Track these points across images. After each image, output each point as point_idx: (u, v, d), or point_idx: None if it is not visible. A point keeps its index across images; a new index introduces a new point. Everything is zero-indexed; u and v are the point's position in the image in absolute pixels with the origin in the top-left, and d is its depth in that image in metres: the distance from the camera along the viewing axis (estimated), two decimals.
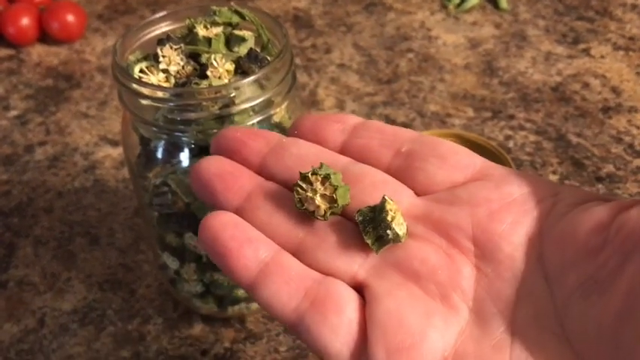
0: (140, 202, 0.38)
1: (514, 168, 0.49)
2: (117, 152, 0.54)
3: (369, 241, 0.23)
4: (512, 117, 0.57)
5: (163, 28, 0.36)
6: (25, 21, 0.65)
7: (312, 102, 0.59)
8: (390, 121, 0.57)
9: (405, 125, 0.56)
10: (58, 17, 0.66)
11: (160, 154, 0.34)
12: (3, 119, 0.58)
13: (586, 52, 0.65)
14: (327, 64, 0.64)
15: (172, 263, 0.38)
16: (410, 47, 0.66)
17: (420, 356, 0.20)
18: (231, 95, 0.30)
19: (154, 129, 0.33)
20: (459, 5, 0.72)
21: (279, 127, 0.34)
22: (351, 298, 0.22)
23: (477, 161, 0.25)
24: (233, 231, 0.23)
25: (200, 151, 0.33)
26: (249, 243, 0.23)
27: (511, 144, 0.54)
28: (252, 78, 0.31)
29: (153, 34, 0.35)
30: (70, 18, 0.66)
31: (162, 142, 0.34)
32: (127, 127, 0.36)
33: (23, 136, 0.56)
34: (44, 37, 0.67)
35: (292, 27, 0.69)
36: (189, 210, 0.34)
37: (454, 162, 0.25)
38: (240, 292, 0.39)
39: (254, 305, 0.40)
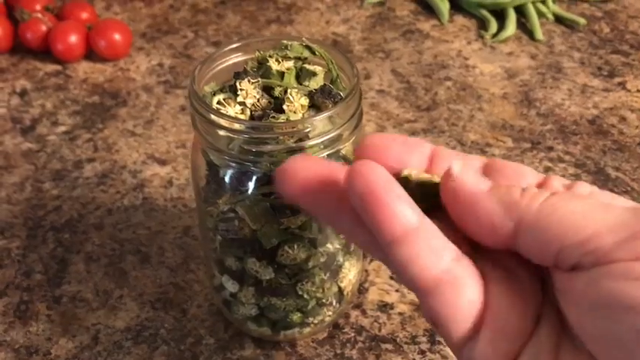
0: (202, 224, 0.40)
1: None
2: (164, 171, 0.56)
3: None
4: (550, 149, 0.58)
5: (235, 59, 0.37)
6: (73, 38, 0.67)
7: None
8: None
9: None
10: (105, 36, 0.67)
11: (228, 182, 0.35)
12: (52, 134, 0.60)
13: (622, 85, 0.66)
14: (367, 90, 0.65)
15: (231, 286, 0.39)
16: (448, 75, 0.67)
17: None
18: (307, 130, 0.32)
19: (226, 157, 0.34)
20: (495, 35, 0.73)
21: (346, 160, 0.35)
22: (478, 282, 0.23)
23: None
24: (387, 185, 0.23)
25: (269, 180, 0.34)
26: (399, 200, 0.23)
27: None
28: (327, 113, 0.32)
29: (225, 65, 0.37)
30: (117, 37, 0.67)
31: (232, 171, 0.35)
32: (197, 152, 0.37)
33: (72, 152, 0.58)
34: (90, 54, 0.69)
35: None
36: (255, 237, 0.36)
37: None
38: (295, 317, 0.40)
39: (306, 330, 0.41)
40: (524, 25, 0.75)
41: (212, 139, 0.33)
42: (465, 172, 0.24)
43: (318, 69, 0.35)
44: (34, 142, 0.59)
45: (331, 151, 0.33)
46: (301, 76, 0.35)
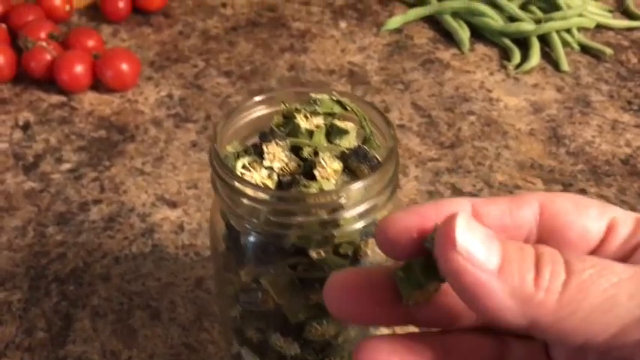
0: (220, 291, 0.36)
1: None
2: (175, 215, 0.53)
3: None
4: (583, 192, 0.55)
5: (258, 112, 0.34)
6: (79, 68, 0.64)
7: None
8: (456, 190, 0.55)
9: (472, 195, 0.54)
10: (113, 65, 0.64)
11: (251, 251, 0.32)
12: (56, 172, 0.57)
13: None
14: None
15: (251, 359, 0.36)
16: (471, 109, 0.64)
17: None
18: (341, 201, 0.28)
19: (249, 226, 0.31)
20: (518, 66, 0.70)
21: None
22: None
23: None
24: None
25: (296, 251, 0.31)
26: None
27: None
28: (365, 182, 0.29)
29: (247, 119, 0.34)
30: (125, 66, 0.64)
31: (256, 239, 0.32)
32: (216, 212, 0.34)
33: (77, 193, 0.55)
34: (96, 84, 0.66)
35: (348, 83, 0.68)
36: (279, 310, 0.32)
37: None
38: None
39: None
40: (548, 55, 0.72)
41: (234, 205, 0.30)
42: (471, 238, 0.20)
43: (349, 125, 0.32)
44: (37, 181, 0.56)
45: (367, 222, 0.30)
46: (332, 133, 0.32)
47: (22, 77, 0.67)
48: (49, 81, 0.66)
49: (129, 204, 0.54)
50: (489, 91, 0.67)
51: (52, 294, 0.47)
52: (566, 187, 0.55)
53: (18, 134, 0.61)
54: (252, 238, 0.32)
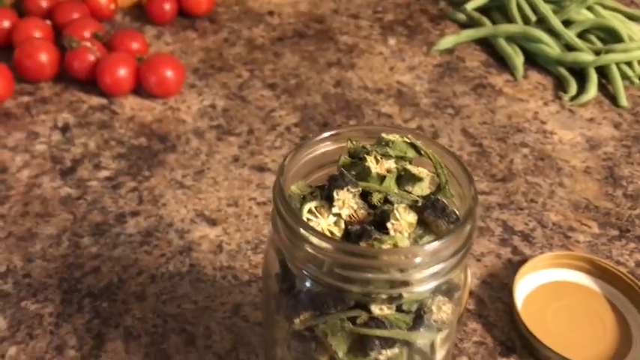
0: (268, 331, 0.34)
1: None
2: (214, 233, 0.51)
3: None
4: None
5: (323, 148, 0.32)
6: (122, 72, 0.62)
7: None
8: (507, 227, 0.52)
9: (525, 235, 0.52)
10: (157, 71, 0.63)
11: (308, 300, 0.30)
12: (94, 179, 0.55)
13: None
14: None
15: None
16: (524, 141, 0.61)
17: None
18: (417, 260, 0.26)
19: (308, 274, 0.29)
20: (574, 97, 0.67)
21: (450, 283, 0.30)
22: None
23: None
24: None
25: (356, 305, 0.29)
26: None
27: None
28: (443, 241, 0.26)
29: (312, 155, 0.32)
30: (169, 73, 0.63)
31: (314, 287, 0.29)
32: (270, 249, 0.32)
33: (114, 203, 0.53)
34: (139, 89, 0.64)
35: (396, 104, 0.65)
36: None
37: None
38: None
39: None
40: (605, 88, 0.69)
41: (295, 249, 0.28)
42: None
43: (424, 173, 0.30)
44: (74, 187, 0.54)
45: (441, 281, 0.28)
46: (402, 179, 0.30)
47: (63, 76, 0.66)
48: (90, 82, 0.64)
49: (167, 218, 0.52)
50: (543, 122, 0.64)
51: (85, 310, 0.45)
52: (623, 233, 0.53)
53: (57, 136, 0.60)
54: (309, 284, 0.30)
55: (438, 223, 0.28)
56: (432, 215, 0.28)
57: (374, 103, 0.65)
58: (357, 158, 0.31)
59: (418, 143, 0.31)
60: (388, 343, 0.29)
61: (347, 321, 0.29)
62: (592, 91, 0.67)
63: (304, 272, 0.29)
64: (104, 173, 0.56)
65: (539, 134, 0.62)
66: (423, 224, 0.28)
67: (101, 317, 0.45)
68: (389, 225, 0.27)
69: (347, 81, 0.68)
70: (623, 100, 0.66)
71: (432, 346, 0.31)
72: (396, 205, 0.28)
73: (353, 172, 0.30)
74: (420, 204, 0.28)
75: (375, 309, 0.29)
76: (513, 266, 0.49)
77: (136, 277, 0.47)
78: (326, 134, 0.31)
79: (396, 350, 0.29)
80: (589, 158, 0.60)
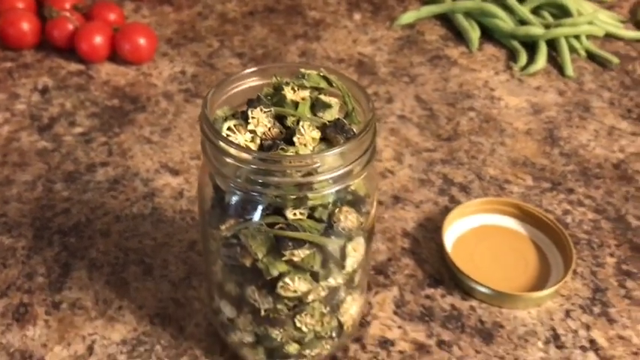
0: (205, 247, 0.39)
1: (572, 245, 0.49)
2: (176, 182, 0.55)
3: None
4: (571, 191, 0.57)
5: (250, 83, 0.36)
6: (99, 39, 0.67)
7: None
8: (447, 180, 0.57)
9: (463, 187, 0.56)
10: (131, 39, 0.67)
11: (233, 208, 0.34)
12: (68, 135, 0.60)
13: None
14: (388, 114, 0.64)
15: (229, 311, 0.38)
16: (472, 106, 0.66)
17: None
18: (316, 165, 0.31)
19: (232, 185, 0.33)
20: (524, 68, 0.71)
21: (354, 195, 0.35)
22: None
23: None
24: None
25: (274, 211, 0.34)
26: None
27: (569, 219, 0.54)
28: (337, 150, 0.31)
29: (240, 88, 0.36)
30: (142, 41, 0.67)
31: (238, 197, 0.34)
32: (204, 176, 0.36)
33: (86, 155, 0.58)
34: (114, 56, 0.69)
35: (355, 72, 0.70)
36: (256, 266, 0.35)
37: None
38: (291, 348, 0.39)
39: None
40: (555, 60, 0.73)
41: (219, 165, 0.33)
42: None
43: (333, 101, 0.35)
44: (49, 141, 0.59)
45: (341, 187, 0.32)
46: (316, 106, 0.35)
47: (44, 45, 0.70)
48: (69, 50, 0.69)
49: (134, 169, 0.56)
50: (492, 90, 0.69)
51: (55, 244, 0.50)
52: (555, 186, 0.57)
53: (36, 97, 0.64)
54: (234, 197, 0.34)
55: (338, 138, 0.32)
56: (332, 132, 0.32)
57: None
58: (279, 91, 0.35)
59: (330, 76, 0.35)
60: (300, 244, 0.33)
61: (265, 225, 0.34)
62: (541, 61, 0.71)
63: (230, 185, 0.33)
64: (78, 129, 0.61)
65: (487, 100, 0.67)
66: (327, 141, 0.33)
67: (68, 251, 0.49)
68: (295, 139, 0.32)
69: (311, 52, 0.73)
70: (570, 71, 0.71)
71: (343, 251, 0.35)
72: (302, 123, 0.32)
73: (273, 100, 0.35)
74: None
75: (290, 214, 0.33)
76: (449, 212, 0.53)
77: (102, 217, 0.52)
78: (250, 70, 0.36)
79: (307, 251, 0.34)
80: (532, 121, 0.65)
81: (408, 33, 0.77)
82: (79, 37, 0.67)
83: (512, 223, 0.53)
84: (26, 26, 0.68)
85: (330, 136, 0.33)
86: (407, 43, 0.75)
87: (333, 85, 0.35)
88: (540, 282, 0.48)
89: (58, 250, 0.49)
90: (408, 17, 0.78)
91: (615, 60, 0.72)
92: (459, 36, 0.77)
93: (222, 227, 0.35)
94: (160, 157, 0.58)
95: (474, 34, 0.75)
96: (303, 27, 0.77)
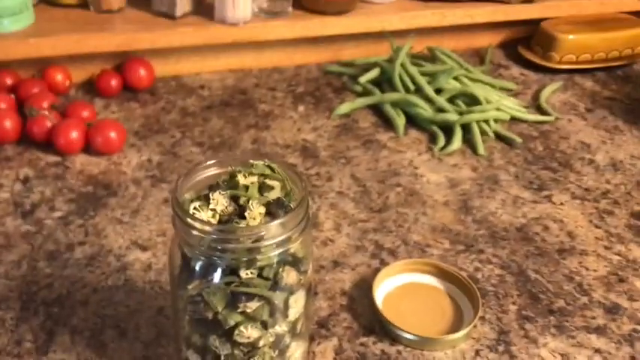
0: (174, 306, 0.48)
1: (479, 296, 0.59)
2: (145, 256, 0.64)
3: None
4: (481, 251, 0.68)
5: (211, 171, 0.46)
6: (74, 134, 0.77)
7: (314, 224, 0.70)
8: (378, 246, 0.67)
9: (392, 251, 0.67)
10: (102, 133, 0.77)
11: (198, 271, 0.43)
12: (49, 219, 0.68)
13: (548, 198, 0.76)
14: (328, 191, 0.75)
15: (195, 359, 0.47)
16: (399, 182, 0.78)
17: None
18: (262, 233, 0.41)
19: (197, 252, 0.42)
20: (442, 148, 0.84)
21: (294, 257, 0.44)
22: None
23: None
24: None
25: (231, 272, 0.43)
26: None
27: (479, 275, 0.64)
28: (278, 221, 0.41)
29: (203, 176, 0.46)
30: (113, 134, 0.77)
31: (201, 262, 0.43)
32: (174, 245, 0.46)
33: (65, 236, 0.66)
34: (87, 148, 0.78)
35: (300, 156, 0.81)
36: (216, 318, 0.44)
37: None
38: None
39: None
40: (469, 141, 0.86)
41: (187, 236, 0.42)
42: None
43: (275, 184, 0.45)
44: (32, 225, 0.67)
45: (282, 250, 0.42)
46: (262, 188, 0.45)
47: (25, 139, 0.79)
48: (47, 144, 0.78)
49: (107, 246, 0.65)
50: (416, 168, 0.81)
51: (40, 314, 0.57)
52: (468, 248, 0.68)
53: (18, 186, 0.73)
54: (199, 262, 0.43)
55: (279, 212, 0.42)
56: (275, 208, 0.42)
57: (282, 156, 0.81)
58: (234, 177, 0.46)
59: (273, 165, 0.46)
60: (252, 298, 0.43)
61: (223, 284, 0.43)
62: (456, 143, 0.84)
63: (195, 252, 0.43)
64: (57, 214, 0.69)
65: (411, 177, 0.79)
66: (270, 215, 0.43)
67: (52, 319, 0.57)
68: (246, 214, 0.42)
69: (262, 139, 0.84)
70: (481, 150, 0.84)
71: (286, 303, 0.45)
72: (250, 201, 0.42)
73: (228, 185, 0.45)
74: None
75: (243, 274, 0.42)
76: (378, 272, 0.63)
77: (81, 289, 0.60)
78: (210, 161, 0.46)
79: (257, 304, 0.43)
80: (449, 194, 0.76)
81: (345, 121, 0.89)
82: (56, 132, 0.77)
83: (431, 280, 0.63)
84: (9, 124, 0.77)
85: (273, 210, 0.43)
86: (344, 130, 0.87)
87: (275, 171, 0.45)
88: (455, 328, 0.58)
89: (43, 319, 0.57)
90: (345, 108, 0.90)
91: (519, 139, 0.86)
92: (387, 123, 0.89)
93: (189, 287, 0.44)
94: (131, 236, 0.66)
95: (400, 121, 0.88)
96: (255, 118, 0.88)
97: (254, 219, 0.42)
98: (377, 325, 0.58)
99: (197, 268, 0.44)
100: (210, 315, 0.44)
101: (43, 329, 0.56)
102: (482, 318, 0.59)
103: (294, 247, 0.44)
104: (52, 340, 0.55)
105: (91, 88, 0.91)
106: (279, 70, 1.01)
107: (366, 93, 0.94)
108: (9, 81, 0.86)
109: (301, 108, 0.92)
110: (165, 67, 0.96)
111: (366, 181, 0.77)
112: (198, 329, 0.45)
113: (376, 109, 0.92)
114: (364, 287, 0.62)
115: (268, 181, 0.45)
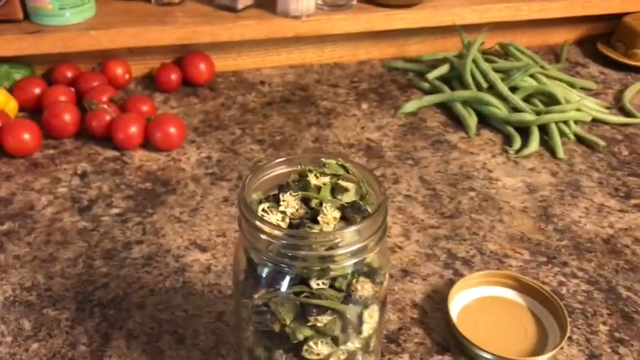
0: (237, 314, 0.44)
1: (566, 314, 0.53)
2: (204, 258, 0.61)
3: None
4: (565, 264, 0.62)
5: (279, 170, 0.43)
6: (133, 129, 0.74)
7: None
8: (451, 255, 0.62)
9: (466, 261, 0.61)
10: (162, 128, 0.75)
11: (265, 279, 0.40)
12: (106, 216, 0.66)
13: (637, 207, 0.70)
14: (395, 194, 0.70)
15: None
16: (472, 186, 0.72)
17: None
18: (337, 241, 0.36)
19: (265, 258, 0.39)
20: (518, 151, 0.78)
21: (370, 267, 0.40)
22: None
23: None
24: None
25: (300, 281, 0.39)
26: None
27: (564, 290, 0.59)
28: (355, 227, 0.37)
29: (271, 175, 0.42)
30: (172, 130, 0.75)
31: (269, 269, 0.39)
32: (239, 249, 0.42)
33: (122, 234, 0.64)
34: (146, 143, 0.76)
35: (364, 156, 0.77)
36: (284, 331, 0.40)
37: None
38: None
39: None
40: (546, 143, 0.80)
41: (254, 240, 0.39)
42: None
43: (350, 185, 0.41)
44: (89, 222, 0.65)
45: (358, 259, 0.38)
46: (335, 190, 0.41)
47: (83, 133, 0.78)
48: (106, 138, 0.76)
49: (166, 246, 0.62)
50: (490, 171, 0.75)
51: (95, 316, 0.55)
52: (550, 260, 0.62)
53: (76, 181, 0.71)
54: (266, 268, 0.40)
55: (355, 217, 0.38)
56: (350, 212, 0.38)
57: (346, 156, 0.76)
58: (303, 177, 0.42)
59: (347, 165, 0.42)
60: (323, 311, 0.39)
61: (292, 295, 0.39)
62: (534, 145, 0.78)
63: (263, 258, 0.39)
64: (115, 210, 0.67)
65: (485, 180, 0.73)
66: (345, 219, 0.39)
67: (108, 322, 0.54)
68: (319, 218, 0.38)
69: (324, 138, 0.80)
70: (561, 153, 0.77)
71: (360, 318, 0.40)
72: (324, 204, 0.38)
73: (299, 185, 0.41)
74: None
75: (314, 284, 0.38)
76: (453, 284, 0.58)
77: (138, 291, 0.57)
78: (279, 159, 0.42)
79: (329, 317, 0.39)
80: (527, 200, 0.70)
81: (411, 120, 0.84)
82: (115, 126, 0.75)
83: (511, 294, 0.57)
84: (68, 117, 0.76)
85: (348, 215, 0.38)
86: (410, 129, 0.82)
87: (350, 172, 0.41)
88: (538, 348, 0.52)
89: (98, 321, 0.54)
90: (411, 106, 0.85)
91: (602, 143, 0.79)
92: (457, 122, 0.84)
93: (255, 296, 0.40)
94: (190, 235, 0.64)
95: (472, 120, 0.82)
96: (316, 116, 0.84)
97: (328, 224, 0.38)
98: (452, 342, 0.53)
99: (264, 275, 0.40)
100: (277, 327, 0.40)
101: (98, 332, 0.53)
102: (569, 339, 0.54)
103: (370, 257, 0.39)
104: (107, 344, 0.52)
105: (151, 82, 0.90)
106: (341, 66, 0.97)
107: (433, 90, 0.89)
108: (69, 74, 0.85)
109: (365, 105, 0.87)
110: (225, 62, 0.93)
111: (436, 184, 0.72)
112: (262, 342, 0.42)
113: (444, 108, 0.87)
114: (437, 299, 0.57)
115: (342, 183, 0.41)
